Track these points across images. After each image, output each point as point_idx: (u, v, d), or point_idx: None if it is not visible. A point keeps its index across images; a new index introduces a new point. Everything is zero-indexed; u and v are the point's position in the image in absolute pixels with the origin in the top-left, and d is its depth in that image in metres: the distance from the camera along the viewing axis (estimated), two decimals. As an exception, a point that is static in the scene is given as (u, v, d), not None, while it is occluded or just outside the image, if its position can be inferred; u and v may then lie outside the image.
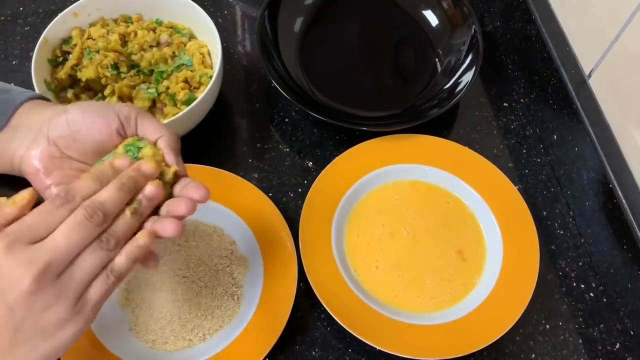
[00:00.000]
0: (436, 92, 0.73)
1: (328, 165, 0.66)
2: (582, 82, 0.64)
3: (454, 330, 0.58)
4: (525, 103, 0.76)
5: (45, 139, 0.47)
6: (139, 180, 0.43)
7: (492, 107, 0.76)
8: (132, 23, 0.72)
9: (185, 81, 0.67)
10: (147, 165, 0.44)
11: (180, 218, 0.44)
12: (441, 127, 0.73)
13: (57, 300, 0.39)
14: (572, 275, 0.64)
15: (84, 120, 0.47)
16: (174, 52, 0.70)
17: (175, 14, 0.72)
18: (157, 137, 0.47)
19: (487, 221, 0.65)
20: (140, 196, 0.43)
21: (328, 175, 0.66)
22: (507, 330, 0.57)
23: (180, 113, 0.62)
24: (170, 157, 0.47)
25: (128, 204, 0.42)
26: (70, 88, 0.67)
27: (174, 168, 0.46)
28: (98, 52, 0.67)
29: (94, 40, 0.69)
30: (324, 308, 0.58)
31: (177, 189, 0.46)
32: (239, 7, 0.83)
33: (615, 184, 0.59)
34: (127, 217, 0.42)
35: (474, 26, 0.74)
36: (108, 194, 0.41)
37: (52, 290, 0.39)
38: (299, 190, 0.68)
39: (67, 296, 0.39)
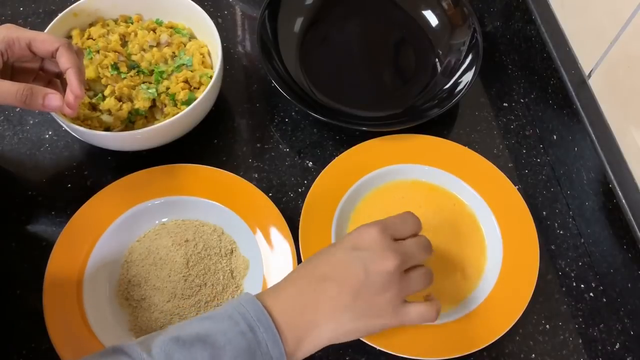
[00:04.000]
0: (436, 92, 0.73)
1: (328, 165, 0.66)
2: (582, 82, 0.64)
3: (454, 330, 0.58)
4: (525, 103, 0.76)
5: None
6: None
7: (492, 107, 0.76)
8: (132, 23, 0.72)
9: (186, 81, 0.67)
10: None
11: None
12: (441, 127, 0.73)
13: (397, 291, 0.49)
14: (572, 275, 0.64)
15: None
16: (174, 52, 0.70)
17: (175, 14, 0.72)
18: (67, 67, 0.56)
19: (487, 221, 0.65)
20: None
21: (328, 175, 0.66)
22: (507, 330, 0.57)
23: (181, 113, 0.62)
24: (75, 86, 0.55)
25: None
26: (71, 88, 0.67)
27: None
28: (98, 52, 0.67)
29: (94, 40, 0.69)
30: (324, 308, 0.58)
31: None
32: (239, 7, 0.83)
33: (615, 184, 0.59)
34: None
35: (474, 26, 0.74)
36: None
37: (398, 281, 0.49)
38: (299, 190, 0.68)
39: (403, 292, 0.49)
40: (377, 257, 0.49)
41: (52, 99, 0.55)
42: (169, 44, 0.71)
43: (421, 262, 0.52)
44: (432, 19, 0.79)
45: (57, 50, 0.56)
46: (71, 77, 0.56)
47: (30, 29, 0.78)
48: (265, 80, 0.76)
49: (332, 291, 0.48)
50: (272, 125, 0.73)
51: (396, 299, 0.49)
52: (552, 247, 0.66)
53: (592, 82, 0.63)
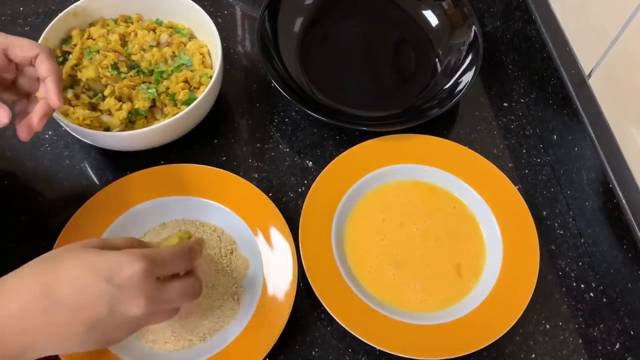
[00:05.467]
0: (436, 92, 0.73)
1: (328, 165, 0.66)
2: (582, 82, 0.64)
3: (454, 330, 0.58)
4: (525, 103, 0.76)
5: None
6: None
7: (492, 107, 0.76)
8: (132, 23, 0.72)
9: (186, 81, 0.67)
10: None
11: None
12: (441, 127, 0.73)
13: (142, 322, 0.46)
14: (572, 275, 0.64)
15: None
16: (174, 52, 0.70)
17: (175, 14, 0.72)
18: (46, 76, 0.53)
19: (487, 221, 0.65)
20: None
21: (328, 175, 0.66)
22: (507, 330, 0.57)
23: (180, 113, 0.62)
24: (54, 96, 0.53)
25: None
26: (70, 88, 0.67)
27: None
28: (98, 52, 0.67)
29: (94, 40, 0.69)
30: (324, 308, 0.58)
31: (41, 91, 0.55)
32: (239, 7, 0.83)
33: (615, 184, 0.59)
34: None
35: (474, 26, 0.74)
36: None
37: (144, 319, 0.45)
38: (299, 190, 0.68)
39: (151, 320, 0.47)
40: (127, 300, 0.43)
41: None
42: (169, 44, 0.71)
43: (180, 305, 0.49)
44: (432, 19, 0.79)
45: (36, 56, 0.53)
46: (50, 86, 0.52)
47: (30, 29, 0.79)
48: (265, 80, 0.76)
49: (63, 317, 0.42)
50: (272, 125, 0.73)
51: (138, 325, 0.46)
52: (552, 247, 0.66)
53: (592, 82, 0.63)
